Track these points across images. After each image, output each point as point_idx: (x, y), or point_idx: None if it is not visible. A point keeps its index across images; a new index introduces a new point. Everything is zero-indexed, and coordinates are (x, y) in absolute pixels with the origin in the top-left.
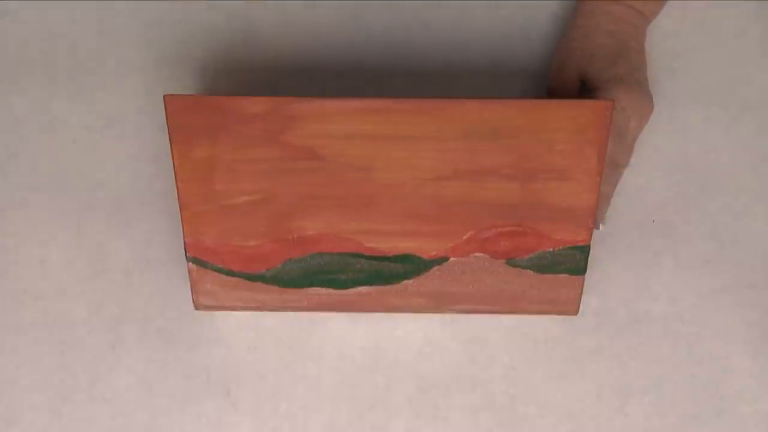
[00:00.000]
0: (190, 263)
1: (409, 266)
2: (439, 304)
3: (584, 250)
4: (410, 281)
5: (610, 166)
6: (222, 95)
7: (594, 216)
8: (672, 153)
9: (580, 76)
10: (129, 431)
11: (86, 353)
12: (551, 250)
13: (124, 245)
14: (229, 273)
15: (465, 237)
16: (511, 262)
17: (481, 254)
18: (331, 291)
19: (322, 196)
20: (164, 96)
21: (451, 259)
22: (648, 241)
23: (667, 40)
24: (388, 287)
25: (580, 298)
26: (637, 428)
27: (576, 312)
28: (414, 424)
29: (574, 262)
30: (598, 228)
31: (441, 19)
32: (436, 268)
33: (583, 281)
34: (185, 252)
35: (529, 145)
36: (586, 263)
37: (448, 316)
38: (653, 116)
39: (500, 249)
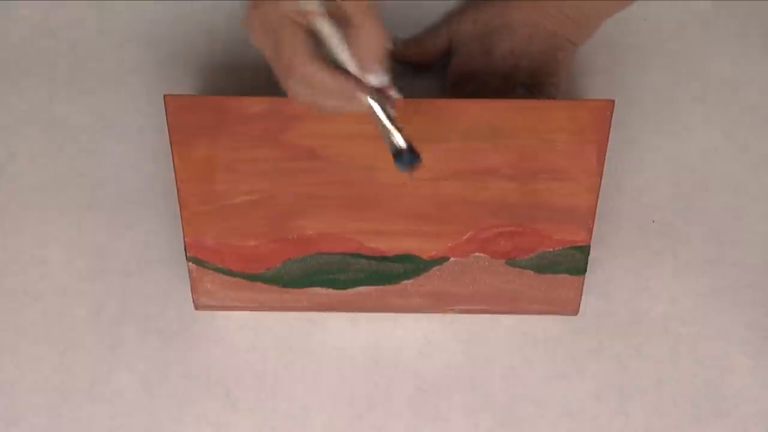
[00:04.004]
0: (190, 263)
1: (408, 266)
2: (438, 304)
3: (584, 250)
4: (410, 281)
5: None
6: (222, 95)
7: (594, 216)
8: (672, 153)
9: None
10: (129, 431)
11: (86, 353)
12: (551, 250)
13: (124, 245)
14: (229, 273)
15: (465, 237)
16: (511, 262)
17: (481, 254)
18: (330, 291)
19: (322, 196)
20: (164, 96)
21: (451, 259)
22: (648, 242)
23: (667, 40)
24: (387, 287)
25: (580, 298)
26: (637, 428)
27: (576, 312)
28: (414, 424)
29: (574, 262)
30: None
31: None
32: (436, 268)
33: (583, 281)
34: (185, 252)
35: (528, 145)
36: (586, 263)
37: (447, 316)
38: (653, 116)
39: (500, 249)
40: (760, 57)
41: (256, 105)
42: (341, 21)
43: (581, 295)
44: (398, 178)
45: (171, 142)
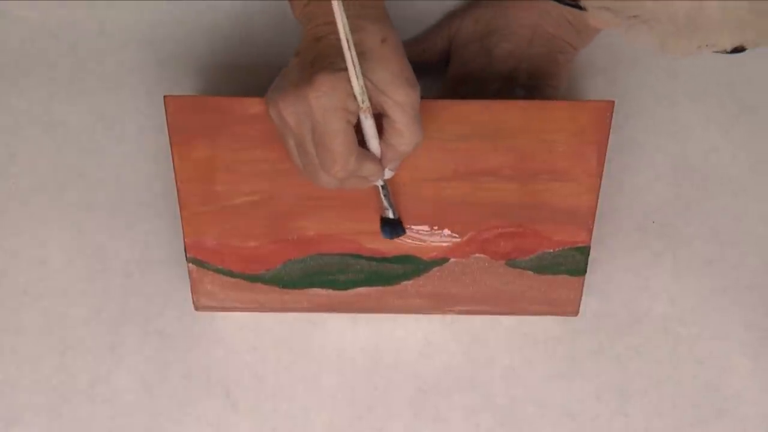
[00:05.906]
0: (190, 264)
1: (408, 267)
2: (438, 304)
3: (584, 251)
4: (410, 282)
5: None
6: (222, 95)
7: (594, 217)
8: (672, 153)
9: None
10: (129, 431)
11: (86, 354)
12: (551, 251)
13: (124, 246)
14: (229, 274)
15: (465, 238)
16: (511, 263)
17: (481, 255)
18: (330, 292)
19: (321, 197)
20: (164, 96)
21: (451, 260)
22: (648, 242)
23: None
24: (387, 288)
25: (581, 299)
26: (637, 429)
27: (576, 313)
28: (414, 424)
29: (574, 263)
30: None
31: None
32: (436, 269)
33: (583, 282)
34: (185, 252)
35: (529, 146)
36: (586, 264)
37: (448, 317)
38: (653, 116)
39: (500, 250)
40: (760, 57)
41: (257, 106)
42: (381, 115)
43: (581, 295)
44: (398, 178)
45: (171, 143)
